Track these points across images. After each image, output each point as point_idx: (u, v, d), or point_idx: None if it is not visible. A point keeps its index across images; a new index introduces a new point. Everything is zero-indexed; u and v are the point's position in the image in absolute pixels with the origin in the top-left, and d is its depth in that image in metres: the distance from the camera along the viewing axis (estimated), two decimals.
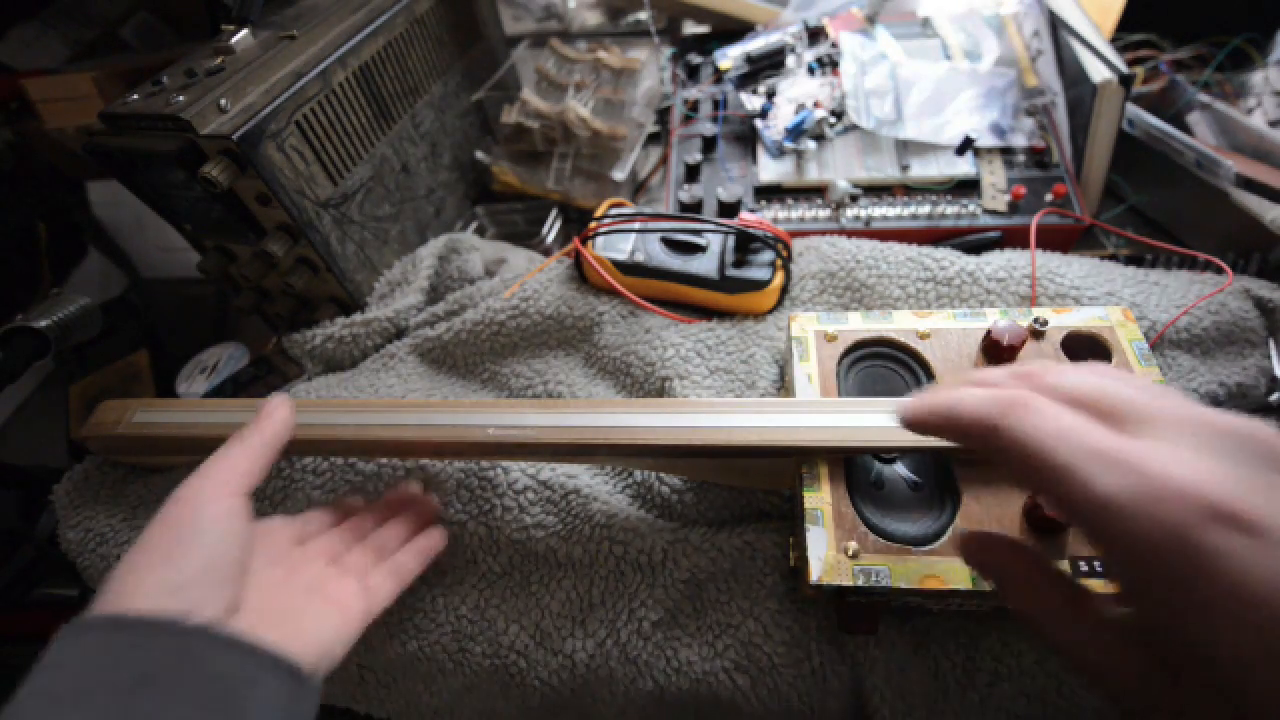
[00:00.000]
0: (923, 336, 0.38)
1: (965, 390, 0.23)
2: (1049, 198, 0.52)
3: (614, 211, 0.50)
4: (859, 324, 0.39)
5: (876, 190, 0.55)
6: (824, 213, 0.55)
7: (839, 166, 0.56)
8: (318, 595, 0.32)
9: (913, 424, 0.25)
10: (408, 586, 0.36)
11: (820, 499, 0.33)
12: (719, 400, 0.40)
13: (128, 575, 0.27)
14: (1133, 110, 0.55)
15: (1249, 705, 0.15)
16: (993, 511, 0.32)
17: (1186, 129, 0.58)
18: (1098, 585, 0.29)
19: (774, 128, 0.58)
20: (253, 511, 0.31)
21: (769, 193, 0.57)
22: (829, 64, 0.61)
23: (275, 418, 0.34)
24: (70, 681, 0.23)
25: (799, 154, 0.57)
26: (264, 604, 0.29)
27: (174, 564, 0.27)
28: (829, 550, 0.31)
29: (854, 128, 0.57)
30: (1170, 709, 0.18)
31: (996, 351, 0.36)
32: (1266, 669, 0.15)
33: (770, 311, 0.47)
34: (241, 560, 0.29)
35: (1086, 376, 0.22)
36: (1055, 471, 0.19)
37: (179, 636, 0.25)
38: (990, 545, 0.24)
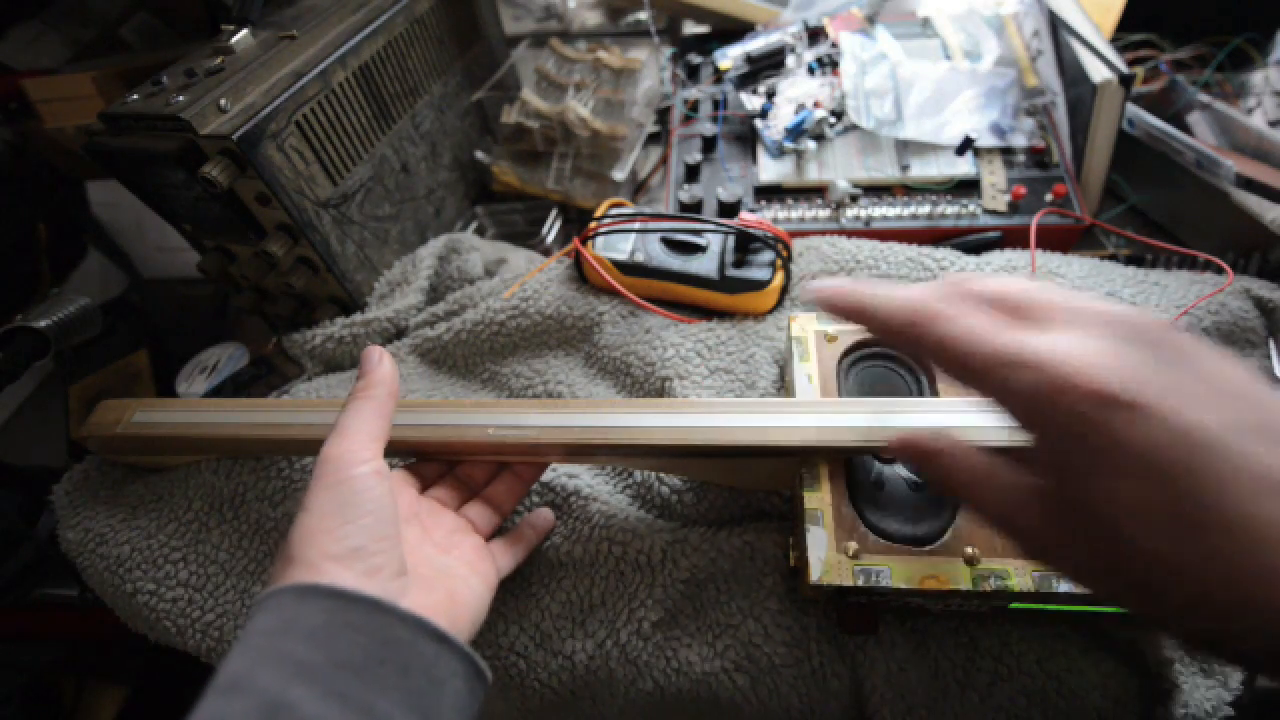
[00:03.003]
0: None
1: (887, 293, 0.26)
2: (1049, 198, 0.52)
3: (614, 211, 0.50)
4: None
5: (876, 190, 0.55)
6: (824, 213, 0.55)
7: (839, 166, 0.56)
8: (455, 556, 0.32)
9: (824, 303, 0.28)
10: (523, 562, 0.37)
11: (820, 499, 0.33)
12: (719, 400, 0.40)
13: (306, 540, 0.27)
14: (1133, 110, 0.55)
15: (1121, 537, 0.20)
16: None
17: (1186, 129, 0.58)
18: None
19: (774, 128, 0.58)
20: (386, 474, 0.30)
21: (769, 193, 0.57)
22: (829, 64, 0.61)
23: (383, 369, 0.33)
24: (299, 650, 0.24)
25: (799, 154, 0.57)
26: (422, 570, 0.29)
27: (347, 527, 0.27)
28: (829, 550, 0.31)
29: (854, 128, 0.57)
30: (1061, 544, 0.22)
31: None
32: (1134, 510, 0.19)
33: (770, 312, 0.47)
34: (398, 518, 0.29)
35: (1001, 279, 0.25)
36: (974, 373, 0.23)
37: (392, 621, 0.25)
38: (918, 441, 0.27)
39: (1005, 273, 0.26)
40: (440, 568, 0.31)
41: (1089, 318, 0.22)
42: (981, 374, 0.22)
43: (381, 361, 0.33)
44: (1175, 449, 0.19)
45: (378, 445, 0.30)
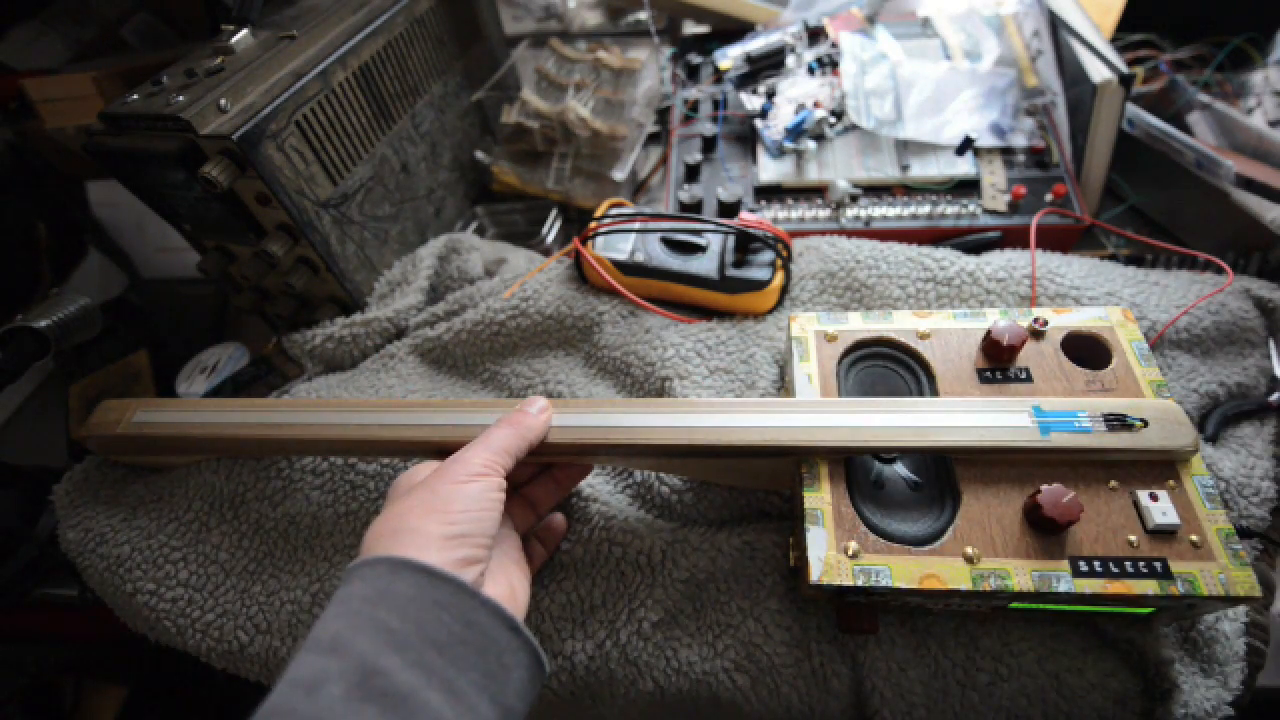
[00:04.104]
0: (923, 336, 0.38)
1: None
2: (1049, 198, 0.52)
3: (614, 211, 0.50)
4: (859, 324, 0.39)
5: (876, 190, 0.55)
6: (824, 213, 0.55)
7: (839, 166, 0.56)
8: (510, 552, 0.34)
9: None
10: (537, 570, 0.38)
11: (820, 499, 0.33)
12: (719, 400, 0.40)
13: (417, 515, 0.29)
14: (1133, 110, 0.55)
15: None
16: (993, 511, 0.32)
17: (1186, 129, 0.58)
18: (1095, 585, 0.29)
19: (774, 128, 0.58)
20: (505, 492, 0.32)
21: (769, 193, 0.57)
22: (829, 64, 0.61)
23: (540, 418, 0.35)
24: (395, 621, 0.25)
25: (799, 154, 0.57)
26: (490, 563, 0.31)
27: (457, 515, 0.29)
28: (829, 550, 0.31)
29: (854, 128, 0.57)
30: None
31: (996, 352, 0.36)
32: None
33: (770, 311, 0.47)
34: (496, 530, 0.31)
35: None
36: None
37: (477, 606, 0.27)
38: None
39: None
40: (500, 562, 0.32)
41: None
42: None
43: (542, 412, 0.36)
44: None
45: (504, 468, 0.32)
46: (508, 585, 0.31)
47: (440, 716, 0.24)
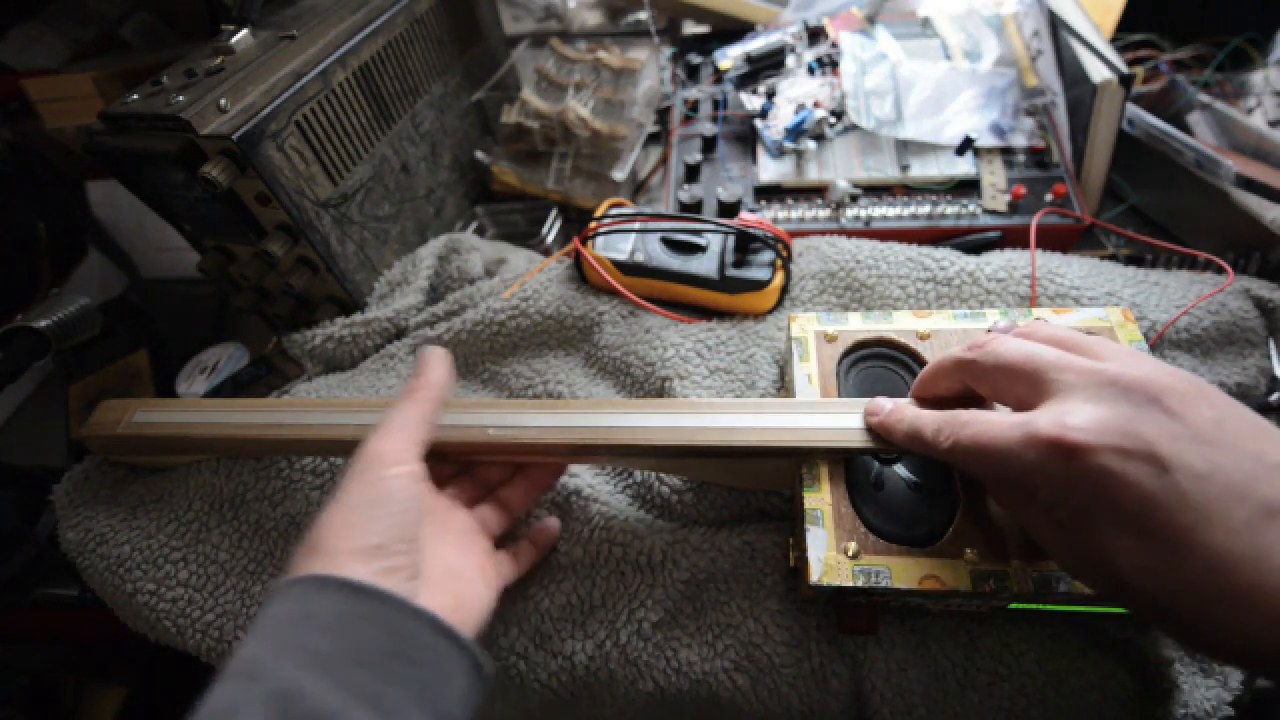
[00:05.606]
0: (923, 337, 0.38)
1: (913, 415, 0.30)
2: (1049, 198, 0.52)
3: (614, 211, 0.50)
4: (859, 324, 0.39)
5: (876, 190, 0.55)
6: (824, 213, 0.55)
7: (839, 166, 0.56)
8: (465, 558, 0.33)
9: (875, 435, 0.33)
10: (525, 573, 0.38)
11: (820, 499, 0.33)
12: (719, 400, 0.40)
13: (331, 533, 0.28)
14: (1133, 110, 0.55)
15: (1049, 508, 0.25)
16: (993, 511, 0.32)
17: (1186, 129, 0.58)
18: None
19: (774, 128, 0.58)
20: (427, 473, 0.31)
21: (769, 193, 0.57)
22: (829, 64, 0.61)
23: (438, 373, 0.34)
24: (313, 640, 0.24)
25: (799, 154, 0.57)
26: (433, 572, 0.30)
27: (374, 525, 0.28)
28: (829, 550, 0.31)
29: (854, 128, 0.57)
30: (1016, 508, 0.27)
31: None
32: (1049, 495, 0.24)
33: (770, 311, 0.47)
34: (420, 520, 0.30)
35: (1017, 350, 0.28)
36: (987, 469, 0.27)
37: (406, 618, 0.26)
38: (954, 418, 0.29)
39: (1026, 333, 0.30)
40: (450, 569, 0.32)
41: (1090, 381, 0.25)
42: (994, 482, 0.28)
43: (438, 365, 0.34)
44: (1167, 495, 0.21)
45: (418, 449, 0.31)
46: (454, 595, 0.30)
47: None
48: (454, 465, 0.38)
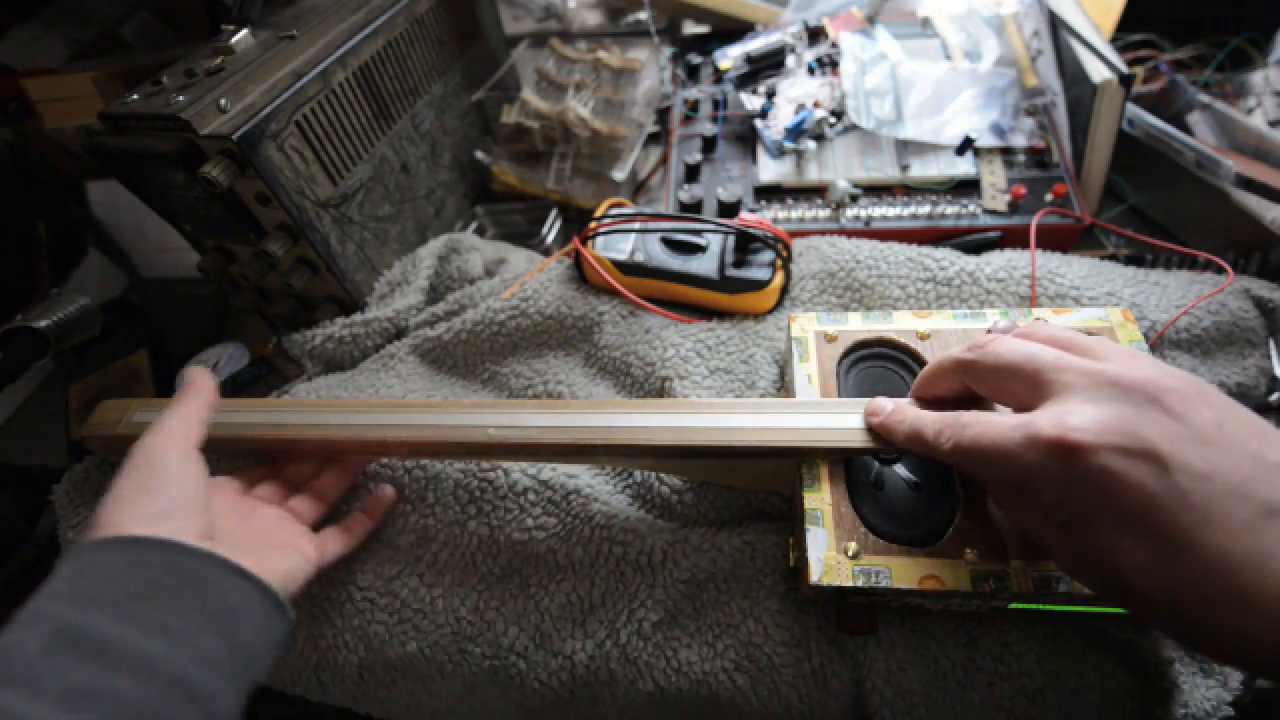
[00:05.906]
0: (923, 337, 0.38)
1: (914, 416, 0.30)
2: (1049, 198, 0.52)
3: (614, 211, 0.50)
4: (859, 324, 0.39)
5: (876, 190, 0.55)
6: (824, 213, 0.55)
7: (839, 166, 0.56)
8: (274, 537, 0.35)
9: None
10: (360, 543, 0.40)
11: (820, 499, 0.33)
12: (719, 400, 0.40)
13: (112, 510, 0.29)
14: (1133, 110, 0.55)
15: (1050, 508, 0.25)
16: (992, 511, 0.32)
17: (1186, 129, 0.58)
18: None
19: (774, 128, 0.58)
20: (206, 464, 0.33)
21: (769, 193, 0.57)
22: (829, 64, 0.61)
23: (204, 382, 0.37)
24: (94, 586, 0.26)
25: (799, 154, 0.57)
26: (231, 540, 0.31)
27: (151, 497, 0.30)
28: (829, 550, 0.31)
29: (854, 128, 0.57)
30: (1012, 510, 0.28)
31: None
32: (1050, 496, 0.24)
33: (770, 312, 0.47)
34: (206, 496, 0.31)
35: (1017, 351, 0.28)
36: (987, 470, 0.27)
37: (185, 556, 0.28)
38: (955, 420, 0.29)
39: (1025, 333, 0.30)
40: (248, 545, 0.33)
41: (1090, 382, 0.25)
42: (993, 481, 0.28)
43: (201, 375, 0.38)
44: (1168, 495, 0.22)
45: (189, 441, 0.33)
46: (250, 557, 0.31)
47: (150, 654, 0.24)
48: (264, 469, 0.40)
